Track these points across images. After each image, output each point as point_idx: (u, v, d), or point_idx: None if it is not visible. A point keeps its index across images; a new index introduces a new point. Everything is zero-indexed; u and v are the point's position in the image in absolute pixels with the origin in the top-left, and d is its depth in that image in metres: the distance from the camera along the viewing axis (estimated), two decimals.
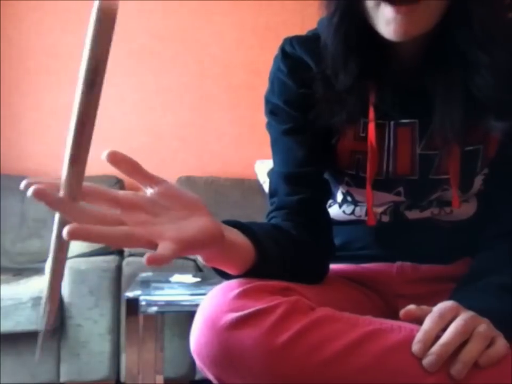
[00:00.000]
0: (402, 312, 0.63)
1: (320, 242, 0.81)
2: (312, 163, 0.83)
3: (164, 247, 0.50)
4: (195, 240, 0.54)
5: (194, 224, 0.55)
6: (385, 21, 0.70)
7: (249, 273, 0.67)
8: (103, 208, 0.53)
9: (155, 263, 0.48)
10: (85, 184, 0.51)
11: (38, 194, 0.47)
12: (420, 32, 0.71)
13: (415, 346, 0.58)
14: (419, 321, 0.61)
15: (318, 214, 0.84)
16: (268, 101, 0.87)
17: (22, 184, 0.49)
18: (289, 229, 0.78)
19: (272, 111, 0.86)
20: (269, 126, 0.87)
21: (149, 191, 0.56)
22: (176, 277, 1.95)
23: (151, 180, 0.56)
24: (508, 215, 0.80)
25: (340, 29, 0.77)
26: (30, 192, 0.47)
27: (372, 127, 0.79)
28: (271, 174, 0.86)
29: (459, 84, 0.75)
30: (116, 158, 0.54)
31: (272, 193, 0.85)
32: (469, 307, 0.62)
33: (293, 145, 0.83)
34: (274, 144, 0.87)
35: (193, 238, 0.54)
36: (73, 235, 0.47)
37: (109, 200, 0.53)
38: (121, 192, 0.54)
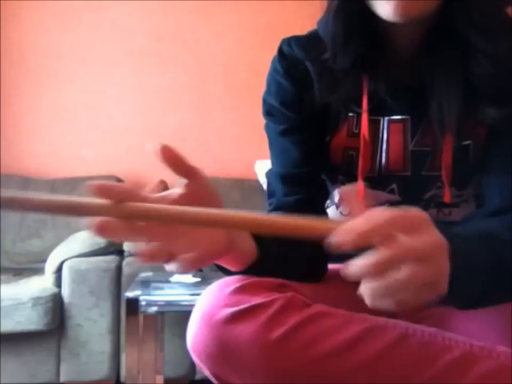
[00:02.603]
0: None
1: (318, 242, 0.81)
2: (308, 163, 0.83)
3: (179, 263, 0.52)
4: (199, 260, 0.55)
5: (204, 241, 0.56)
6: (385, 1, 0.70)
7: (250, 270, 0.68)
8: None
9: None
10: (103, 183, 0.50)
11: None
12: (418, 13, 0.71)
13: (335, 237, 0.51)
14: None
15: (315, 214, 0.84)
16: (264, 102, 0.87)
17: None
18: None
19: (268, 111, 0.86)
20: (266, 127, 0.88)
21: (177, 191, 0.55)
22: (176, 277, 1.95)
23: (188, 173, 0.55)
24: (498, 196, 0.79)
25: (340, 12, 0.77)
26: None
27: (365, 118, 0.80)
28: (269, 174, 0.87)
29: (457, 71, 0.75)
30: (164, 153, 0.52)
31: (270, 194, 0.85)
32: None
33: (289, 146, 0.84)
34: (271, 144, 0.87)
35: (197, 258, 0.55)
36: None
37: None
38: (147, 197, 0.53)
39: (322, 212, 0.86)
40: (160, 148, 0.51)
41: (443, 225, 0.57)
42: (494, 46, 0.72)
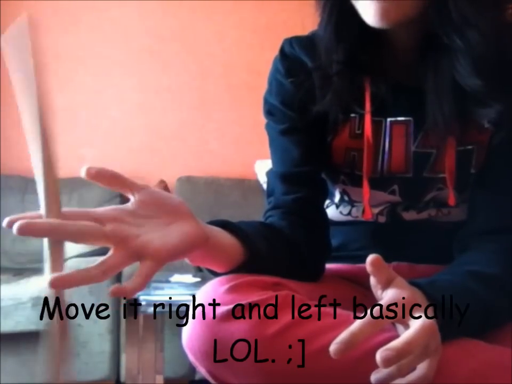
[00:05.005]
0: (371, 259, 0.58)
1: (315, 241, 0.81)
2: (308, 163, 0.83)
3: (144, 267, 0.52)
4: (177, 248, 0.55)
5: (177, 231, 0.56)
6: (365, 7, 0.71)
7: (239, 270, 0.68)
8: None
9: (133, 292, 0.51)
10: (63, 209, 0.50)
11: (23, 230, 0.47)
12: (401, 17, 0.71)
13: (333, 346, 0.51)
14: (378, 277, 0.59)
15: (313, 214, 0.84)
16: (266, 101, 0.88)
17: (5, 222, 0.49)
18: (283, 228, 0.78)
19: (269, 111, 0.87)
20: (267, 126, 0.88)
21: (131, 201, 0.56)
22: (176, 277, 1.95)
23: (131, 188, 0.56)
24: (483, 214, 0.80)
25: (331, 19, 0.78)
26: (15, 230, 0.47)
27: (368, 119, 0.80)
28: (269, 173, 0.87)
29: (446, 74, 0.75)
30: (92, 174, 0.53)
31: (270, 192, 0.85)
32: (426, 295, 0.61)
33: (289, 145, 0.84)
34: (271, 144, 0.88)
35: (175, 247, 0.55)
36: (56, 284, 0.51)
37: (89, 219, 0.52)
38: (99, 210, 0.54)
39: (321, 211, 0.86)
40: (95, 171, 0.53)
41: (431, 288, 0.62)
42: (471, 45, 0.71)
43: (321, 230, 0.84)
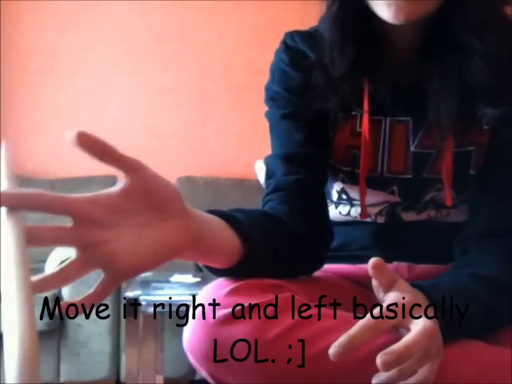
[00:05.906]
0: (372, 262, 0.58)
1: (316, 228, 0.80)
2: (309, 145, 0.82)
3: (105, 283, 0.50)
4: (147, 264, 0.51)
5: (154, 238, 0.51)
6: (386, 3, 0.70)
7: (238, 266, 0.66)
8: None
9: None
10: (29, 190, 0.46)
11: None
12: (419, 15, 0.71)
13: (332, 349, 0.52)
14: (380, 280, 0.59)
15: (314, 197, 0.82)
16: (268, 89, 0.87)
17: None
18: (283, 214, 0.76)
19: (271, 97, 0.86)
20: (268, 113, 0.87)
21: (119, 185, 0.50)
22: (176, 277, 1.95)
23: (125, 166, 0.49)
24: (483, 216, 0.80)
25: (337, 17, 0.78)
26: None
27: (365, 118, 0.80)
28: (268, 158, 0.85)
29: (453, 73, 0.75)
30: (82, 141, 0.46)
31: (269, 175, 0.83)
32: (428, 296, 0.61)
33: (291, 129, 0.83)
34: (272, 129, 0.86)
35: (145, 261, 0.51)
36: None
37: (60, 209, 0.47)
38: (73, 200, 0.47)
39: (321, 196, 0.84)
40: (76, 134, 0.45)
41: (433, 289, 0.62)
42: (489, 46, 0.72)
43: (321, 217, 0.83)
